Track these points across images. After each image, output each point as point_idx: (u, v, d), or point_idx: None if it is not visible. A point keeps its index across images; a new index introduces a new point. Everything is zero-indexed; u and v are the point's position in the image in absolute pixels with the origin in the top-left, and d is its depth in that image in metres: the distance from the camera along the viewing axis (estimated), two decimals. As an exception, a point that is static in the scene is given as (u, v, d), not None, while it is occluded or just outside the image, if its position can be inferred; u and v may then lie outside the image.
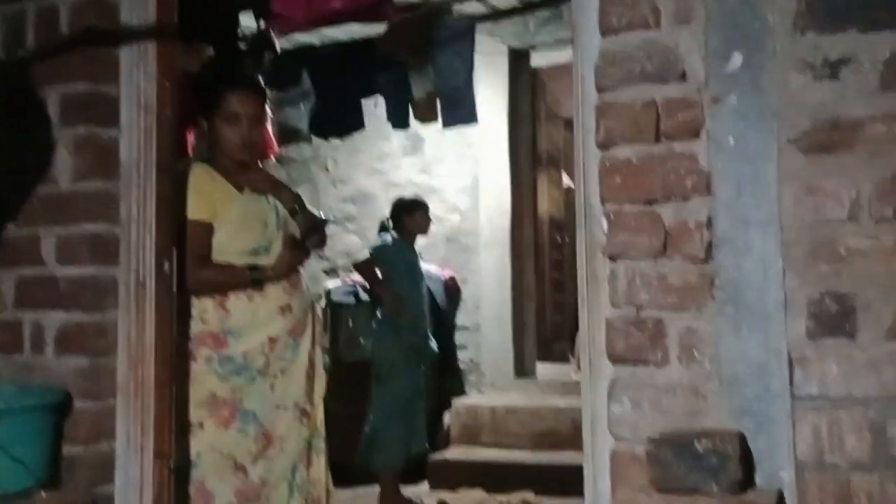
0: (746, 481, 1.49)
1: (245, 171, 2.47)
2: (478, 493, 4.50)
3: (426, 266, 4.94)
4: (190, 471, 2.32)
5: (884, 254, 1.48)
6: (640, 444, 1.59)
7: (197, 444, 2.34)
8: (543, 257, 6.14)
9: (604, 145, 1.68)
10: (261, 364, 2.38)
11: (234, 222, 2.40)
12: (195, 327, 2.37)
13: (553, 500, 4.41)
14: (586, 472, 1.74)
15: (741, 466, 1.47)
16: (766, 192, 1.56)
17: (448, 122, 4.46)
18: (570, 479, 4.65)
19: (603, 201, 1.68)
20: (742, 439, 1.50)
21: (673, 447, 1.50)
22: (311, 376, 2.49)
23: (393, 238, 4.57)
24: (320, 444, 2.51)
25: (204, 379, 2.35)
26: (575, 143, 1.79)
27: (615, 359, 1.66)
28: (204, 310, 2.38)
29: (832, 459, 1.47)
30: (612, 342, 1.67)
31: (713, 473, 1.46)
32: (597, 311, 1.72)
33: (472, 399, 5.41)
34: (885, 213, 1.48)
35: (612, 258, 1.67)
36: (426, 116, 4.51)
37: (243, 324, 2.38)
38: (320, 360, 2.56)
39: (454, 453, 5.05)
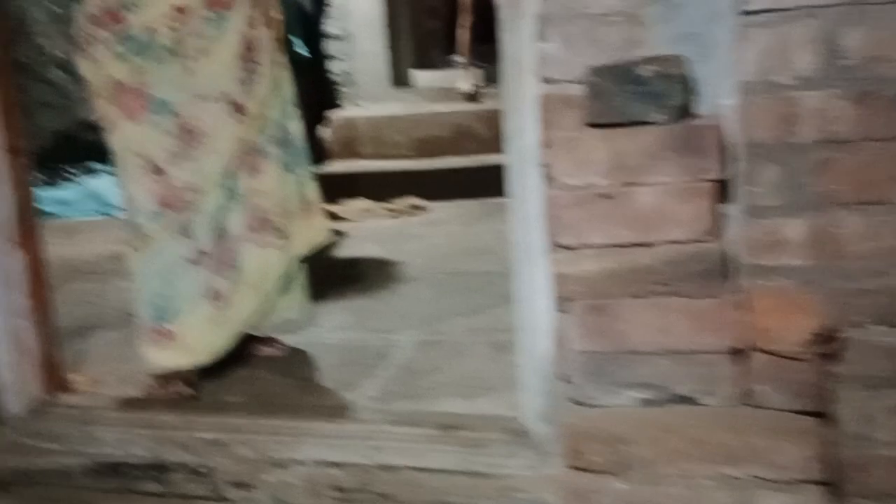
0: (689, 108, 1.37)
1: None
2: (363, 203, 4.41)
3: (288, -36, 4.43)
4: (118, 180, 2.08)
5: None
6: (573, 85, 1.43)
7: (114, 143, 2.05)
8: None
9: None
10: (169, 41, 1.98)
11: None
12: (90, 5, 1.99)
13: (439, 204, 4.40)
14: (509, 124, 1.59)
15: (685, 91, 1.35)
16: None
17: None
18: (455, 183, 4.68)
19: None
20: (686, 63, 1.37)
21: (613, 76, 1.36)
22: (249, 63, 2.08)
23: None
24: (271, 149, 2.15)
25: (105, 63, 2.00)
26: None
27: (542, -10, 1.45)
28: None
29: (779, 79, 1.36)
30: (539, -30, 1.45)
31: (657, 100, 1.34)
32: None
33: (349, 111, 5.18)
34: None
35: None
36: None
37: None
38: (268, 46, 2.13)
39: (334, 167, 4.90)
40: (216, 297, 2.10)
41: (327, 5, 5.18)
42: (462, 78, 5.14)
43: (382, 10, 5.20)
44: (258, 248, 2.16)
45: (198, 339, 2.08)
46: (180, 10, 1.98)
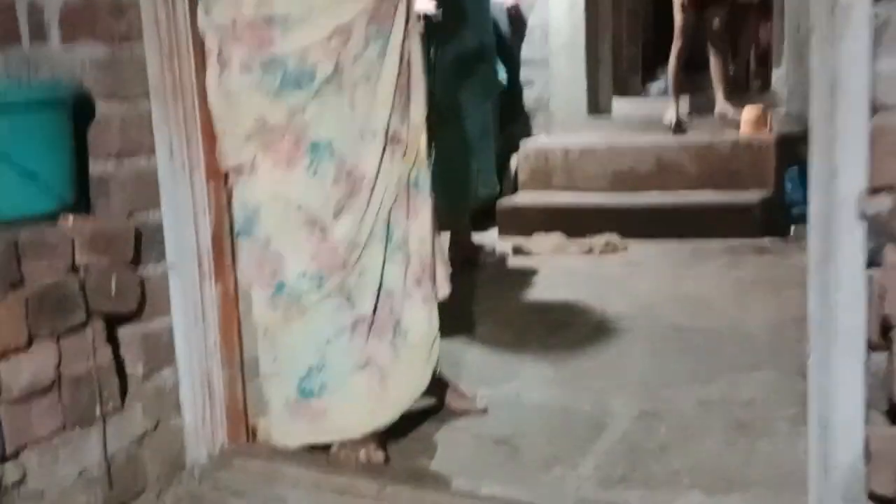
0: None
1: None
2: (556, 238, 4.10)
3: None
4: (247, 231, 1.73)
5: None
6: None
7: (252, 194, 1.69)
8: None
9: None
10: (330, 69, 1.62)
11: None
12: (221, 15, 1.62)
13: (636, 243, 4.02)
14: (817, 162, 1.23)
15: None
16: None
17: None
18: (655, 221, 4.27)
19: None
20: None
21: None
22: (404, 85, 1.73)
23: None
24: (425, 186, 1.81)
25: (246, 98, 1.63)
26: None
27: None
28: None
29: None
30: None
31: None
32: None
33: (542, 140, 4.90)
34: None
35: None
36: None
37: (295, 5, 1.60)
38: (418, 57, 1.76)
39: (524, 198, 4.63)
40: (375, 368, 1.76)
41: (525, 29, 4.95)
42: (668, 107, 4.75)
43: (584, 33, 4.91)
44: (422, 305, 1.81)
45: (351, 417, 1.76)
46: (343, 30, 1.61)
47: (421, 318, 1.79)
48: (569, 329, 2.80)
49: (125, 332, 1.66)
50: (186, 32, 1.65)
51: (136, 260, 1.64)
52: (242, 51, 1.62)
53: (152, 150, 1.68)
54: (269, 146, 1.66)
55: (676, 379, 2.29)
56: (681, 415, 2.06)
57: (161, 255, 1.71)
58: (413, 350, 1.79)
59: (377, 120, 1.69)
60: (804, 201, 4.40)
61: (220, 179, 1.74)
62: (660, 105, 5.02)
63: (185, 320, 1.72)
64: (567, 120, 4.97)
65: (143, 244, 1.67)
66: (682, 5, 4.67)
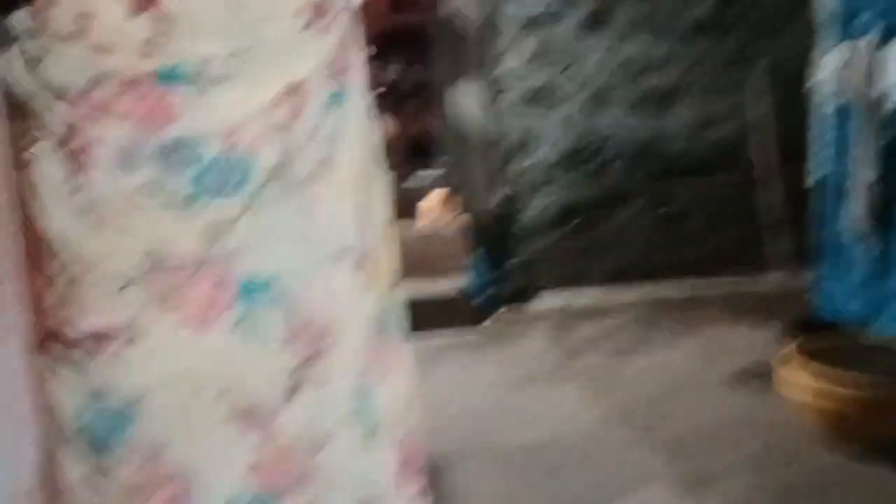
0: None
1: None
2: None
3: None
4: (111, 436, 0.98)
5: None
6: None
7: (129, 375, 0.96)
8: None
9: None
10: (274, 158, 1.00)
11: None
12: (65, 68, 0.91)
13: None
14: None
15: None
16: None
17: None
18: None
19: None
20: None
21: None
22: (364, 168, 1.13)
23: None
24: (399, 326, 1.21)
25: (129, 216, 0.95)
26: None
27: None
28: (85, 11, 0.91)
29: None
30: None
31: None
32: None
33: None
34: None
35: None
36: None
37: (216, 46, 0.95)
38: (375, 126, 1.18)
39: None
40: None
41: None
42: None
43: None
44: None
45: None
46: (296, 90, 1.01)
47: None
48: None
49: None
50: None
51: None
52: (119, 131, 0.91)
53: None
54: (168, 294, 0.95)
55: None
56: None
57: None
58: None
59: (344, 231, 1.08)
60: (491, 285, 4.41)
61: (50, 350, 0.96)
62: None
63: None
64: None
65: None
66: None
